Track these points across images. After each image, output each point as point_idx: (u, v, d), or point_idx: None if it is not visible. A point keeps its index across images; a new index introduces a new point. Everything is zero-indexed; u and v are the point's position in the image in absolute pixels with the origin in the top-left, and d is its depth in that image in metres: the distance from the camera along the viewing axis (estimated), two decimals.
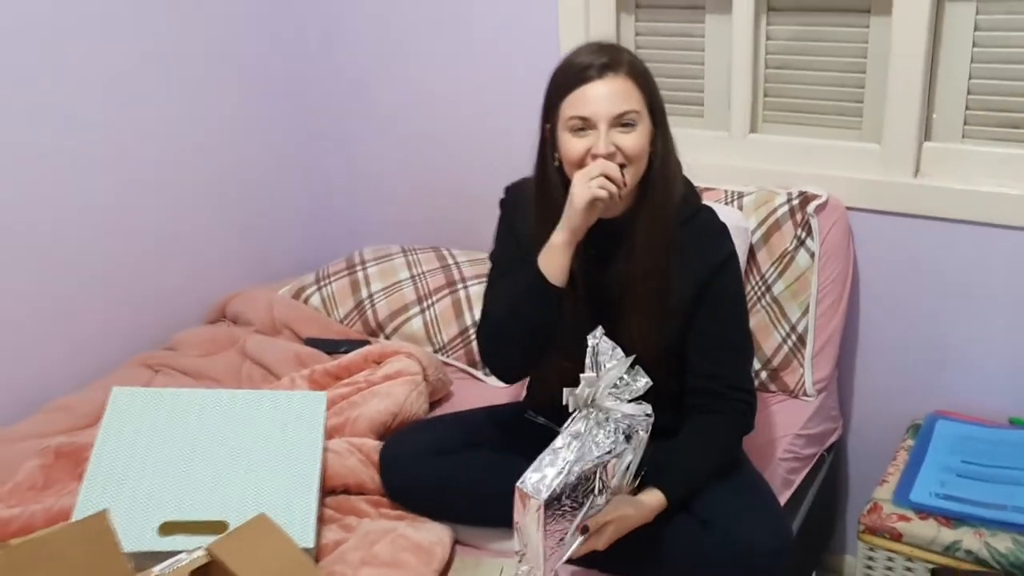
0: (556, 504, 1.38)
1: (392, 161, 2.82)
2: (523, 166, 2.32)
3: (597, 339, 1.43)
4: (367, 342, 2.38)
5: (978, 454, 1.95)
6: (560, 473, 1.38)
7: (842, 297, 2.14)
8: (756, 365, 2.14)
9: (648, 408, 1.45)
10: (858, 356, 2.26)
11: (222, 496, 1.64)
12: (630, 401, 1.44)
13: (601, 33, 2.33)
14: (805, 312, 2.11)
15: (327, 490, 1.79)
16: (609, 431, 1.43)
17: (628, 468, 1.48)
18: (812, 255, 2.11)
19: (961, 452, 1.96)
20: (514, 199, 1.80)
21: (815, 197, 2.12)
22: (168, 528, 1.57)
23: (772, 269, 2.13)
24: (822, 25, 2.12)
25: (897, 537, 1.81)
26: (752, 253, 2.15)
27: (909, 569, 1.83)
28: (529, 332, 1.63)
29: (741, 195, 2.18)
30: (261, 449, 1.73)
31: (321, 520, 1.70)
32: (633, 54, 1.61)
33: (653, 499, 1.57)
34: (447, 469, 1.74)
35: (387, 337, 2.41)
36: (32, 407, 2.18)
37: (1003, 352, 2.08)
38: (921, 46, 1.97)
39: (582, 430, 1.42)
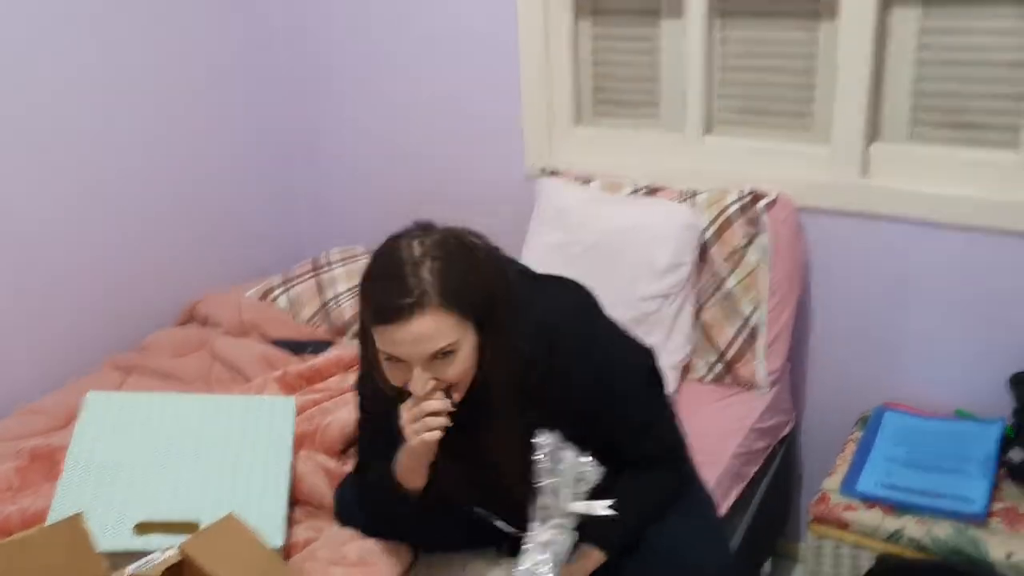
0: None
1: (359, 163, 2.86)
2: (482, 166, 2.39)
3: (547, 443, 1.42)
4: (331, 343, 2.42)
5: (924, 445, 2.02)
6: None
7: (792, 292, 2.21)
8: (711, 358, 2.21)
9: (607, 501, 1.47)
10: (809, 351, 2.34)
11: (195, 497, 1.68)
12: (588, 496, 1.47)
13: (560, 41, 2.38)
14: (757, 307, 2.18)
15: (295, 499, 1.83)
16: (569, 530, 1.48)
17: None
18: (763, 251, 2.17)
19: (907, 443, 2.04)
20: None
21: (764, 195, 2.18)
22: (143, 528, 1.61)
23: (725, 265, 2.20)
24: (773, 30, 2.18)
25: (844, 526, 1.89)
26: (705, 250, 2.21)
27: (856, 556, 1.90)
28: (400, 522, 1.65)
29: (694, 194, 2.25)
30: (233, 452, 1.78)
31: (291, 521, 1.75)
32: (444, 263, 1.40)
33: (591, 560, 1.59)
34: (396, 524, 1.69)
35: (352, 337, 2.45)
36: (4, 410, 2.22)
37: (950, 346, 2.15)
38: (867, 50, 2.04)
39: (550, 538, 1.46)
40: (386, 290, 1.39)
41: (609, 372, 1.57)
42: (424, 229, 1.47)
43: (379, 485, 1.62)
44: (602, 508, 1.46)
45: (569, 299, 1.61)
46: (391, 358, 1.42)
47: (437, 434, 1.45)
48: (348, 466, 1.90)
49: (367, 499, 1.69)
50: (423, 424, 1.44)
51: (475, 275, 1.44)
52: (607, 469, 1.50)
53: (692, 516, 1.69)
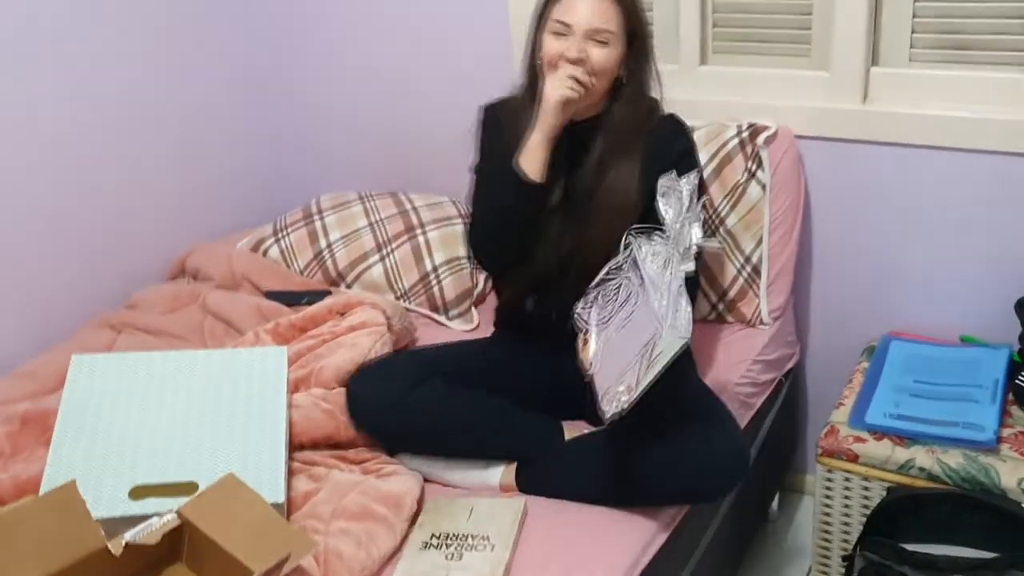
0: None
1: (344, 106, 2.80)
2: (471, 101, 2.34)
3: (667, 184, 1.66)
4: (328, 292, 2.38)
5: (931, 373, 2.00)
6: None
7: (794, 226, 2.17)
8: (713, 297, 2.17)
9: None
10: (813, 282, 2.30)
11: (191, 457, 1.65)
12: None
13: None
14: (759, 243, 2.14)
15: (294, 446, 1.81)
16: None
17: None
18: (763, 187, 2.12)
19: (914, 372, 2.01)
20: (492, 116, 1.95)
21: (764, 129, 2.13)
22: (139, 492, 1.58)
23: (725, 202, 2.15)
24: None
25: (853, 458, 1.87)
26: (704, 187, 2.16)
27: (866, 488, 1.89)
28: (513, 226, 1.81)
29: (692, 129, 2.18)
30: (226, 407, 1.74)
31: (290, 473, 1.72)
32: None
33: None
34: (417, 403, 1.76)
35: (348, 286, 2.42)
36: None
37: (953, 272, 2.12)
38: None
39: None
40: None
41: (691, 163, 1.83)
42: None
43: (494, 190, 1.85)
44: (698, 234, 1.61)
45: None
46: (559, 29, 1.74)
47: (573, 93, 1.71)
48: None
49: (477, 213, 1.91)
50: (568, 81, 1.71)
51: (643, 14, 1.82)
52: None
53: (705, 410, 1.73)
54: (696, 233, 1.58)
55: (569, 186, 1.82)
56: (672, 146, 1.83)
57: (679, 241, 1.59)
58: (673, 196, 1.63)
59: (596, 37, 1.73)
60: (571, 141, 1.80)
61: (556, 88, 1.71)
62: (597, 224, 1.79)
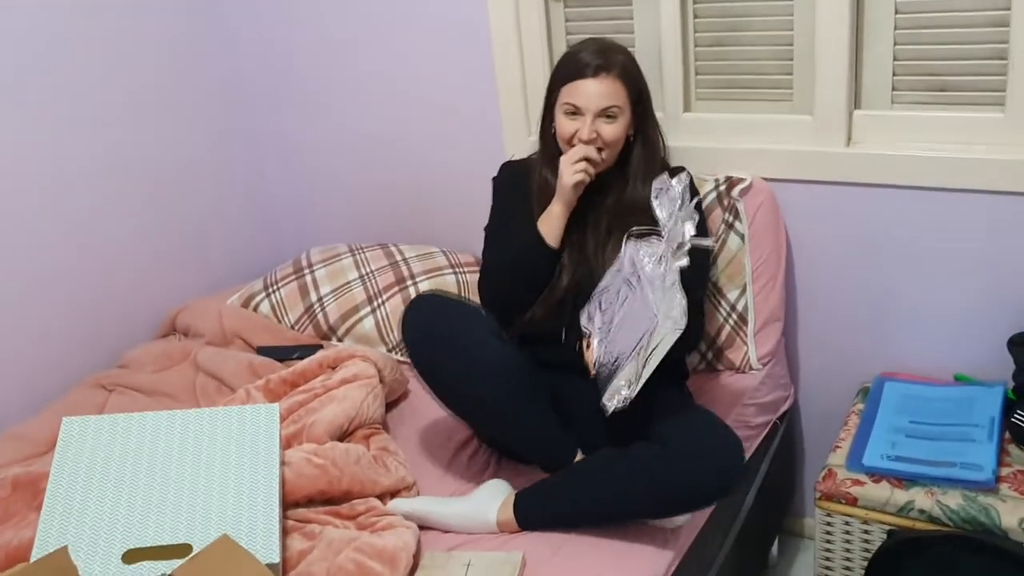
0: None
1: (333, 162, 2.81)
2: (462, 155, 2.38)
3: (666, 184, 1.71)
4: (320, 346, 2.37)
5: (926, 413, 1.99)
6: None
7: (777, 274, 2.18)
8: (701, 347, 2.18)
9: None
10: (804, 324, 2.30)
11: (184, 518, 1.63)
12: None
13: (531, 24, 2.33)
14: (742, 292, 2.16)
15: (288, 503, 1.79)
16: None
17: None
18: (742, 237, 2.15)
19: (909, 412, 2.01)
20: (509, 174, 2.10)
21: (740, 181, 2.16)
22: (132, 556, 1.56)
23: None
24: (749, 1, 2.13)
25: (852, 502, 1.86)
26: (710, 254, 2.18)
27: (866, 531, 1.88)
28: (527, 284, 1.93)
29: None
30: (218, 468, 1.72)
31: (284, 532, 1.70)
32: (629, 57, 1.92)
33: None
34: (490, 351, 1.77)
35: (340, 339, 2.41)
36: None
37: (944, 311, 2.12)
38: (845, 16, 1.99)
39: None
40: (580, 58, 1.88)
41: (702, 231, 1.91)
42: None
43: (513, 248, 1.96)
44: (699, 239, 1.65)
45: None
46: (571, 110, 1.88)
47: (586, 176, 1.87)
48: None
49: (494, 262, 2.03)
50: (581, 164, 1.86)
51: (643, 77, 1.96)
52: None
53: (701, 417, 1.75)
54: (688, 230, 1.61)
55: (582, 232, 1.95)
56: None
57: (672, 238, 1.64)
58: (666, 196, 1.70)
59: (606, 114, 1.87)
60: (588, 190, 1.91)
61: (570, 176, 1.86)
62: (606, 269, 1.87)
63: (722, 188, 2.17)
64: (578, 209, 1.93)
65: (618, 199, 1.95)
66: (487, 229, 2.09)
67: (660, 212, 1.70)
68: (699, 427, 1.70)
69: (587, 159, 1.86)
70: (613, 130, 1.88)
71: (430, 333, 1.79)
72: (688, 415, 1.77)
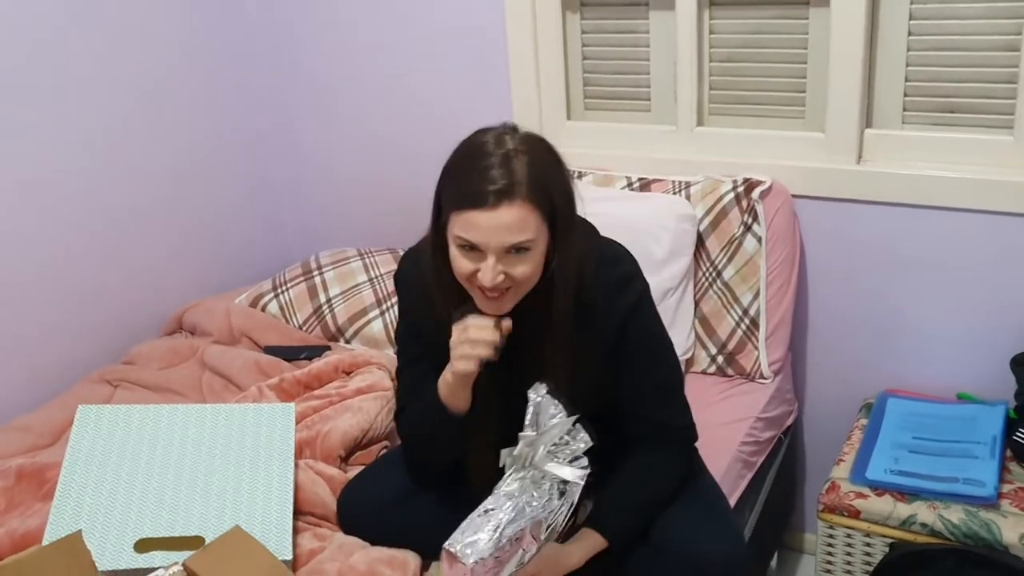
0: (482, 562, 1.34)
1: (345, 164, 2.82)
2: None
3: (540, 396, 1.40)
4: (327, 347, 2.38)
5: (929, 429, 2.01)
6: (492, 536, 1.34)
7: (791, 279, 2.20)
8: (712, 350, 2.19)
9: (586, 470, 1.42)
10: (809, 339, 2.32)
11: (197, 511, 1.63)
12: (570, 462, 1.41)
13: (548, 35, 2.35)
14: (756, 295, 2.17)
15: (299, 511, 1.78)
16: (544, 490, 1.40)
17: (561, 520, 1.45)
18: (759, 240, 2.16)
19: (913, 428, 2.03)
20: (406, 280, 1.69)
21: (759, 183, 2.17)
22: (144, 545, 1.56)
23: (721, 255, 2.18)
24: (764, 18, 2.16)
25: (855, 514, 1.87)
26: (701, 241, 2.20)
27: (868, 544, 1.89)
28: (448, 448, 1.62)
29: (688, 185, 2.23)
30: (233, 463, 1.73)
31: (295, 530, 1.70)
32: (537, 153, 1.43)
33: (589, 541, 1.56)
34: (407, 517, 1.69)
35: (347, 341, 2.42)
36: None
37: (949, 329, 2.14)
38: (859, 35, 2.02)
39: (516, 491, 1.39)
40: (476, 176, 1.40)
41: (646, 323, 1.59)
42: (511, 128, 1.49)
43: (421, 410, 1.61)
44: (575, 475, 1.41)
45: (623, 248, 1.63)
46: (466, 244, 1.41)
47: (473, 366, 1.46)
48: (350, 473, 1.87)
49: (408, 430, 1.69)
50: (473, 352, 1.45)
51: (559, 176, 1.46)
52: (603, 442, 1.48)
53: (702, 506, 1.65)
54: (562, 471, 1.41)
55: (510, 357, 1.52)
56: (622, 301, 1.56)
57: (531, 458, 1.42)
58: (539, 412, 1.42)
59: (512, 253, 1.41)
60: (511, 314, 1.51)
61: (461, 362, 1.47)
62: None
63: (740, 189, 2.17)
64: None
65: (542, 330, 1.52)
66: (398, 343, 1.73)
67: (524, 431, 1.42)
68: (700, 527, 1.58)
69: (483, 344, 1.45)
70: (525, 267, 1.42)
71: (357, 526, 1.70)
72: (691, 509, 1.62)
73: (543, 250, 1.45)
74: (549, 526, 1.43)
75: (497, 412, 1.55)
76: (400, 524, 1.69)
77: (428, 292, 1.56)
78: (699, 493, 1.68)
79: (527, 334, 1.51)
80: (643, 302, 1.59)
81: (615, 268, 1.58)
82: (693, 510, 1.62)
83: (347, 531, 1.74)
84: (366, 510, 1.71)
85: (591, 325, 1.55)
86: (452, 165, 1.47)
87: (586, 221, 1.61)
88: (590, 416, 1.47)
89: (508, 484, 1.41)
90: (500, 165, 1.39)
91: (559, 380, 1.47)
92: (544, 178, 1.42)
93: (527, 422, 1.40)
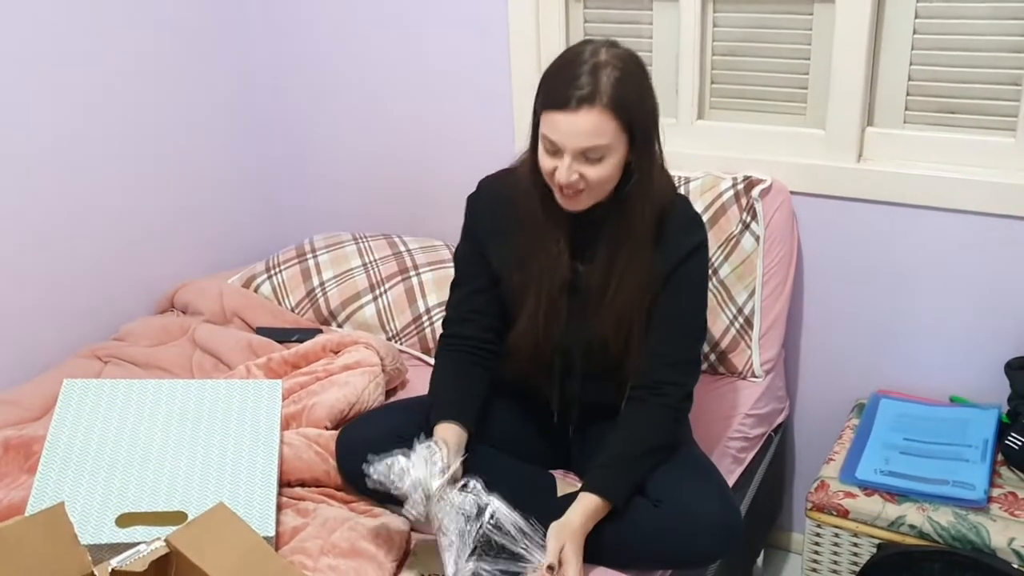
0: None
1: (342, 148, 2.81)
2: (472, 154, 2.34)
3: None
4: (319, 330, 2.37)
5: (920, 431, 2.00)
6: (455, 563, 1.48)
7: (787, 279, 2.18)
8: (705, 348, 2.17)
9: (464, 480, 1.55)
10: (803, 337, 2.31)
11: (180, 486, 1.63)
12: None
13: (551, 26, 2.34)
14: (751, 294, 2.15)
15: (283, 483, 1.78)
16: (462, 505, 1.51)
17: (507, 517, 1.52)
18: (757, 238, 2.14)
19: (904, 430, 2.02)
20: (482, 197, 1.82)
21: (760, 182, 2.15)
22: (126, 520, 1.55)
23: (719, 252, 2.17)
24: (768, 13, 2.15)
25: (844, 513, 1.87)
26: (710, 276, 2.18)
27: (855, 544, 1.88)
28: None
29: (688, 180, 2.22)
30: (218, 438, 1.72)
31: (278, 507, 1.70)
32: (627, 71, 1.54)
33: (592, 507, 1.59)
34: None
35: (339, 325, 2.41)
36: None
37: (944, 332, 2.13)
38: (864, 34, 2.01)
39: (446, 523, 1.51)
40: (563, 80, 1.53)
41: (696, 270, 1.71)
42: (610, 43, 1.59)
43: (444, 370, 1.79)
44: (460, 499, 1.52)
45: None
46: (550, 145, 1.56)
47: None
48: None
49: (439, 359, 1.83)
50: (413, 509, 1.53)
51: (645, 95, 1.59)
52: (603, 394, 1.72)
53: (699, 474, 1.69)
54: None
55: (577, 276, 1.70)
56: (683, 240, 1.70)
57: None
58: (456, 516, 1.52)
59: (588, 155, 1.54)
60: (581, 229, 1.68)
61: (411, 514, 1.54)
62: (604, 317, 1.69)
63: (740, 187, 2.16)
64: (568, 253, 1.69)
65: (612, 249, 1.67)
66: (455, 262, 1.88)
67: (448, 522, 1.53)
68: (697, 490, 1.63)
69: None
70: (598, 171, 1.56)
71: (355, 465, 1.72)
72: (687, 472, 1.68)
73: (620, 160, 1.57)
74: (507, 521, 1.52)
75: (562, 327, 1.71)
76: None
77: (501, 206, 1.72)
78: (694, 461, 1.74)
79: (602, 250, 1.66)
80: (703, 250, 1.72)
81: (690, 210, 1.74)
82: (689, 476, 1.67)
83: (344, 467, 1.76)
84: (365, 446, 1.70)
85: (656, 256, 1.66)
86: (549, 70, 1.60)
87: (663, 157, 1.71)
88: (609, 358, 1.68)
89: (443, 532, 1.52)
90: (588, 73, 1.52)
91: (616, 302, 1.65)
92: (627, 91, 1.53)
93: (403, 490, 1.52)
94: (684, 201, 1.76)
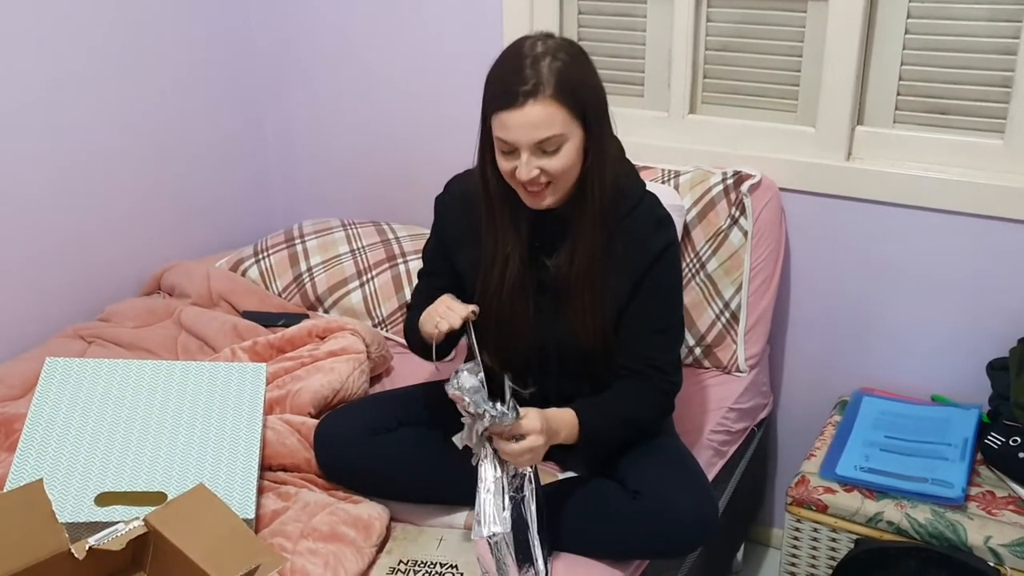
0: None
1: (332, 135, 2.80)
2: (464, 143, 2.31)
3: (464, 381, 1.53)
4: (305, 316, 2.37)
5: (901, 429, 2.01)
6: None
7: (774, 275, 2.19)
8: (691, 341, 2.18)
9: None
10: (788, 334, 2.32)
11: (161, 467, 1.62)
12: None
13: (545, 18, 2.33)
14: (738, 289, 2.16)
15: (264, 467, 1.79)
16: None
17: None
18: (745, 233, 2.15)
19: (885, 428, 2.03)
20: (448, 199, 1.81)
21: (749, 177, 2.16)
22: (105, 499, 1.55)
23: (706, 247, 2.17)
24: (761, 9, 2.15)
25: (823, 509, 1.88)
26: (687, 231, 2.18)
27: (834, 540, 1.89)
28: (424, 352, 1.74)
29: (678, 174, 2.22)
30: (201, 420, 1.72)
31: (259, 490, 1.70)
32: (568, 57, 1.54)
33: (570, 422, 1.62)
34: (382, 448, 1.74)
35: (326, 311, 2.41)
36: None
37: (927, 331, 2.14)
38: (856, 32, 2.02)
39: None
40: (506, 80, 1.53)
41: (668, 272, 1.70)
42: (546, 34, 1.59)
43: (412, 317, 1.78)
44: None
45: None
46: (504, 146, 1.55)
47: (442, 329, 1.60)
48: None
49: (405, 326, 1.85)
50: (441, 317, 1.60)
51: (589, 78, 1.58)
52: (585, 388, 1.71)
53: (678, 466, 1.70)
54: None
55: (545, 272, 1.69)
56: (653, 243, 1.67)
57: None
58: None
59: (544, 148, 1.54)
60: (547, 225, 1.67)
61: (429, 327, 1.64)
62: (572, 316, 1.68)
63: (729, 182, 2.17)
64: (534, 252, 1.69)
65: (575, 246, 1.65)
66: (423, 255, 1.88)
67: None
68: (675, 482, 1.64)
69: (457, 315, 1.61)
70: (557, 162, 1.54)
71: (332, 457, 1.78)
72: (666, 464, 1.69)
73: (577, 147, 1.56)
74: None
75: (530, 327, 1.70)
76: (375, 453, 1.73)
77: (469, 207, 1.70)
78: (675, 454, 1.75)
79: (567, 244, 1.65)
80: (674, 249, 1.70)
81: (658, 209, 1.70)
82: (669, 468, 1.68)
83: (321, 458, 1.77)
84: (342, 438, 1.74)
85: (624, 253, 1.65)
86: (491, 73, 1.59)
87: (621, 145, 1.71)
88: (583, 354, 1.68)
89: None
90: (529, 67, 1.51)
91: (584, 294, 1.64)
92: (571, 77, 1.52)
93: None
94: (652, 198, 1.71)
